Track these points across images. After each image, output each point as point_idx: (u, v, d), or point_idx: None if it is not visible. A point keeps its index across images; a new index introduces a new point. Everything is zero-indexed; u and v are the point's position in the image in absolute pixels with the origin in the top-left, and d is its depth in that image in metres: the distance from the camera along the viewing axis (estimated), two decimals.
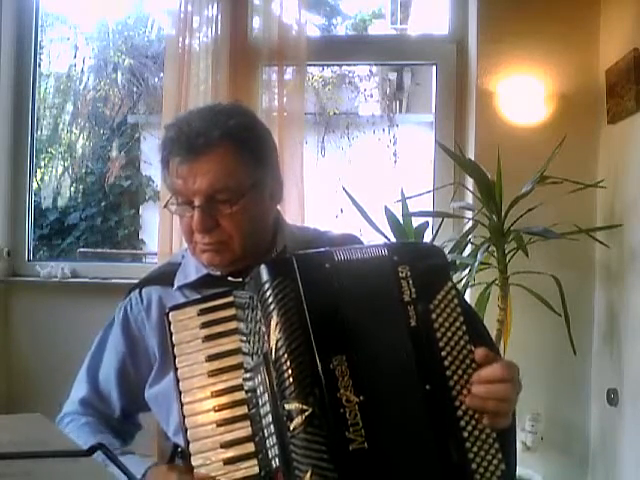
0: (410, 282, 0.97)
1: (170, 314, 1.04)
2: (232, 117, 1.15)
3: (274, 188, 1.21)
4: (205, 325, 1.02)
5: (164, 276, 1.26)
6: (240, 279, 1.12)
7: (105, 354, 1.25)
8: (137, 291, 1.25)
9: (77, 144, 5.46)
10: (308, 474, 0.86)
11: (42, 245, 5.20)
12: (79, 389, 1.26)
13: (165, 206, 1.17)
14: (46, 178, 5.27)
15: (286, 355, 0.91)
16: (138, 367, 1.22)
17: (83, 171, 5.41)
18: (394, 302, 0.96)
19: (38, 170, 4.94)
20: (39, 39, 2.90)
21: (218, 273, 1.18)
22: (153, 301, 1.22)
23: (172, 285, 1.22)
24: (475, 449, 0.91)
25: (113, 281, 2.59)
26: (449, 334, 0.95)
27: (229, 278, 1.15)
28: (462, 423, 0.91)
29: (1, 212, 2.66)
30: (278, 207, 1.28)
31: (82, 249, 5.16)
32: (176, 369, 1.00)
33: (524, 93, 2.34)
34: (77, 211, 5.35)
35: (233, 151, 1.11)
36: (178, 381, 1.00)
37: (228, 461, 0.94)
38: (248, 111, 1.23)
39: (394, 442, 0.90)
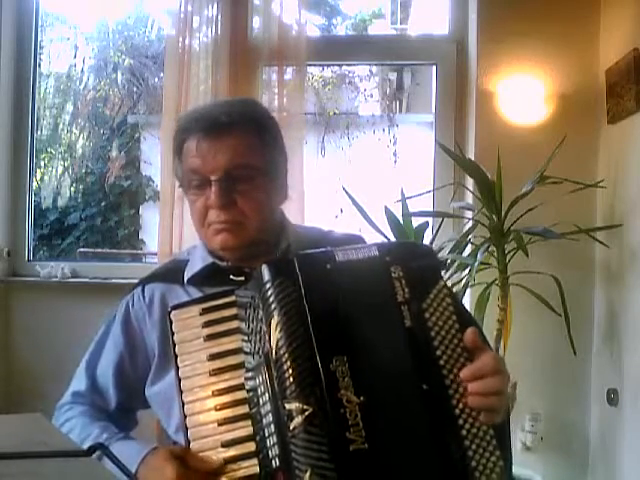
0: (403, 282, 0.97)
1: (172, 313, 1.04)
2: (252, 105, 1.24)
3: (284, 184, 1.24)
4: (207, 324, 1.02)
5: (169, 273, 1.27)
6: (242, 278, 1.14)
7: (105, 349, 1.26)
8: (140, 287, 1.26)
9: (77, 144, 5.47)
10: (308, 474, 0.86)
11: (42, 245, 5.20)
12: (77, 383, 1.27)
13: (180, 186, 1.21)
14: (46, 178, 5.27)
15: (287, 355, 0.90)
16: (136, 363, 1.22)
17: (83, 171, 5.42)
18: (389, 303, 0.96)
19: (38, 170, 4.94)
20: (39, 39, 2.90)
21: (224, 264, 1.20)
22: (155, 298, 1.23)
23: (177, 282, 1.23)
24: (474, 446, 0.90)
25: (113, 281, 2.59)
26: (443, 333, 0.95)
27: (231, 277, 1.16)
28: (460, 421, 0.91)
29: (1, 212, 2.66)
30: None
31: (82, 249, 5.17)
32: (177, 368, 1.00)
33: (524, 93, 2.34)
34: (77, 211, 5.36)
35: (253, 133, 1.16)
36: (179, 380, 1.00)
37: (229, 460, 0.94)
38: (265, 107, 1.30)
39: (394, 442, 0.90)
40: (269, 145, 1.18)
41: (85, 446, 1.09)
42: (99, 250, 5.30)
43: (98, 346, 1.27)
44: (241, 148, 1.14)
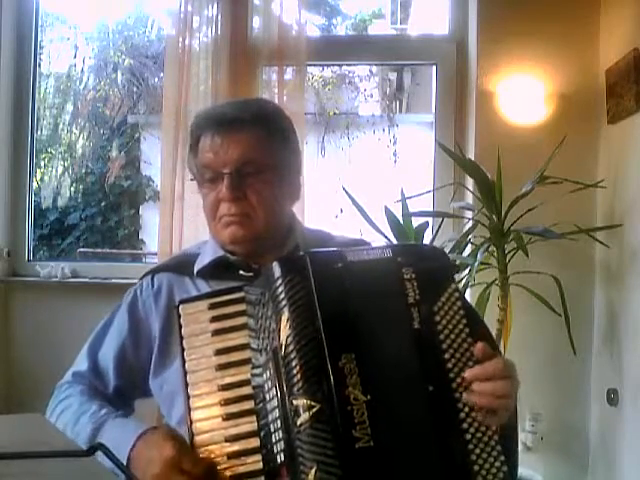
0: (414, 284, 0.97)
1: (180, 307, 1.05)
2: (266, 104, 1.31)
3: (295, 182, 1.27)
4: (215, 319, 1.03)
5: (179, 264, 1.29)
6: (251, 274, 1.17)
7: (108, 333, 1.27)
8: (150, 276, 1.28)
9: (77, 144, 5.46)
10: (313, 470, 0.86)
11: (42, 245, 5.19)
12: (78, 364, 1.28)
13: (195, 180, 1.24)
14: (46, 178, 5.26)
15: (295, 351, 0.91)
16: (139, 350, 1.23)
17: (83, 171, 5.41)
18: (399, 304, 0.96)
19: (38, 170, 4.93)
20: (39, 39, 2.90)
21: (234, 257, 1.22)
22: (163, 287, 1.25)
23: (186, 274, 1.25)
24: (478, 451, 0.91)
25: (113, 281, 2.59)
26: (452, 336, 0.95)
27: (241, 272, 1.19)
28: (465, 425, 0.91)
29: (1, 212, 2.66)
30: None
31: (82, 249, 5.16)
32: (184, 362, 1.01)
33: (524, 93, 2.34)
34: (77, 211, 5.35)
35: (265, 131, 1.19)
36: (186, 373, 1.00)
37: (232, 455, 0.94)
38: (280, 107, 1.34)
39: (399, 442, 0.90)
40: (281, 143, 1.21)
41: (82, 421, 1.11)
42: (99, 250, 5.30)
43: (103, 330, 1.29)
44: (253, 144, 1.17)
